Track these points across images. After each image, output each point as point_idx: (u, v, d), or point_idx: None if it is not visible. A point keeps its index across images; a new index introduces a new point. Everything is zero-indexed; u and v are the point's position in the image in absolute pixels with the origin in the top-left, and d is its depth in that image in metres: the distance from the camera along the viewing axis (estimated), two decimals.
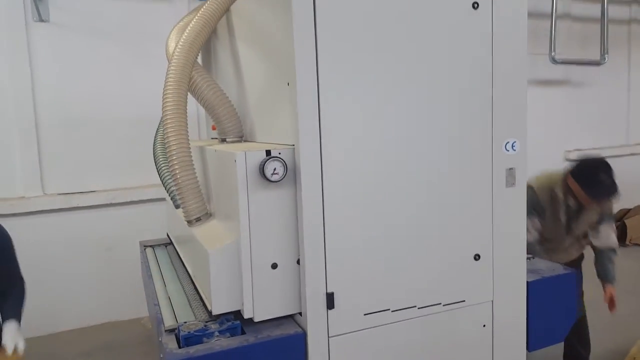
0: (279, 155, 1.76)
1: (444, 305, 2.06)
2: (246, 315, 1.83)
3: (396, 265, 1.95)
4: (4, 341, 2.21)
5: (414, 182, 1.95)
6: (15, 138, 3.90)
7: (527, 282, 2.25)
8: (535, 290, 2.26)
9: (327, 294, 1.84)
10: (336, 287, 1.85)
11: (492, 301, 2.17)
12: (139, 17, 4.23)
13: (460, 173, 2.04)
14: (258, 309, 1.84)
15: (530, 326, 2.26)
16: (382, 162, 1.89)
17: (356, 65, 1.81)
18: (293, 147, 1.80)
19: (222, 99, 2.31)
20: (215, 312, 1.86)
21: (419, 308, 2.01)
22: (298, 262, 1.86)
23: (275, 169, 1.74)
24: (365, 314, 1.91)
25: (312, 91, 1.75)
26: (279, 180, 1.75)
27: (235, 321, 1.84)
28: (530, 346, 2.29)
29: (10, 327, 2.27)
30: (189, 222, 2.17)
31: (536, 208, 2.92)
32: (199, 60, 2.46)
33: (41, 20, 3.87)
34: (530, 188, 2.87)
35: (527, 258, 2.39)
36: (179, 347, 1.74)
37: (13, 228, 3.94)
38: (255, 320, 1.84)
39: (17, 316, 2.33)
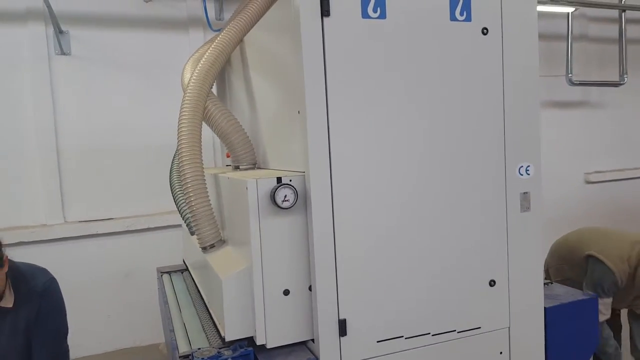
0: (289, 183, 1.79)
1: (458, 332, 2.03)
2: (259, 342, 1.83)
3: (410, 291, 1.94)
4: None
5: (427, 208, 1.95)
6: (37, 167, 4.03)
7: (545, 308, 2.20)
8: (554, 317, 2.21)
9: (339, 320, 1.83)
10: (348, 313, 1.84)
11: (509, 328, 2.13)
12: (156, 49, 4.38)
13: (473, 198, 2.03)
14: (270, 336, 1.84)
15: (549, 353, 2.20)
16: (394, 189, 1.90)
17: (366, 93, 1.85)
18: (304, 174, 1.83)
19: (235, 128, 2.36)
20: (228, 338, 1.86)
21: (433, 335, 1.99)
22: (310, 288, 1.86)
23: (286, 196, 1.77)
24: (378, 341, 1.90)
25: (321, 119, 1.78)
26: (289, 207, 1.78)
27: (249, 348, 1.85)
28: None
29: None
30: (204, 249, 2.20)
31: (618, 286, 2.98)
32: (214, 90, 2.54)
33: (63, 54, 4.04)
34: (612, 273, 2.92)
35: (545, 284, 2.35)
36: None
37: (35, 255, 4.07)
38: (268, 347, 1.84)
39: None
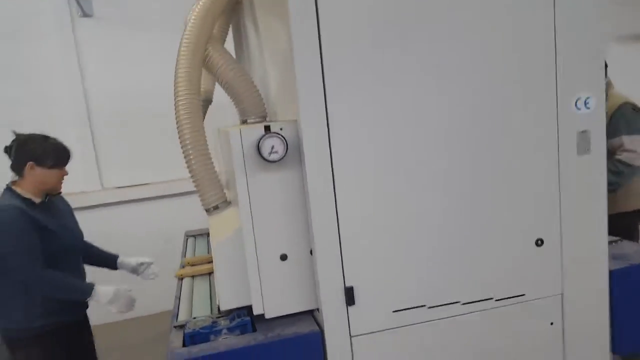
0: (278, 132, 1.52)
1: (497, 301, 1.71)
2: (256, 312, 1.63)
3: (433, 253, 1.63)
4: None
5: (456, 148, 1.61)
6: (71, 134, 4.05)
7: (610, 270, 1.80)
8: (621, 280, 1.81)
9: (345, 288, 1.58)
10: (356, 280, 1.58)
11: (562, 295, 1.76)
12: (182, 5, 4.17)
13: (515, 138, 1.65)
14: (269, 305, 1.63)
15: (615, 326, 1.82)
16: (413, 126, 1.57)
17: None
18: (295, 121, 1.55)
19: (241, 77, 2.09)
20: (223, 307, 1.69)
21: (463, 304, 1.68)
22: (311, 252, 1.62)
23: (273, 147, 1.51)
24: (394, 311, 1.63)
25: (313, 58, 1.48)
26: (278, 160, 1.52)
27: (246, 317, 1.66)
28: (617, 347, 1.85)
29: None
30: (207, 211, 2.01)
31: None
32: (231, 48, 2.28)
33: (85, 16, 3.95)
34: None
35: (611, 242, 1.94)
36: (184, 346, 1.59)
37: None
38: (267, 317, 1.64)
39: None
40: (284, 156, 1.51)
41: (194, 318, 1.73)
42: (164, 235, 4.25)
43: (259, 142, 1.50)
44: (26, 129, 2.26)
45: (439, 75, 1.57)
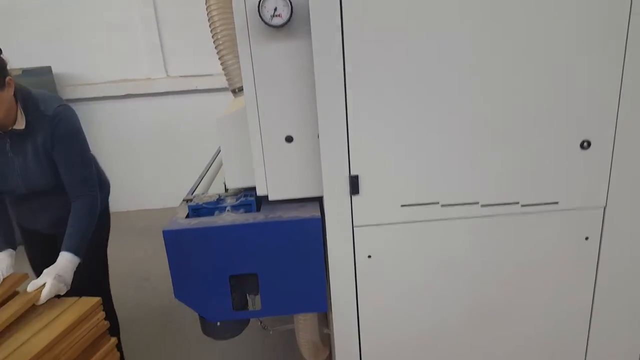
0: None
1: (523, 206, 1.52)
2: (259, 193, 1.59)
3: (451, 145, 1.45)
4: (34, 284, 1.58)
5: (478, 17, 1.36)
6: (136, 16, 4.06)
7: None
8: None
9: (350, 176, 1.47)
10: (362, 169, 1.46)
11: (605, 208, 1.54)
12: None
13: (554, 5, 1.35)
14: (272, 187, 1.58)
15: None
16: None
17: None
18: None
19: None
20: (228, 185, 1.66)
21: (482, 206, 1.52)
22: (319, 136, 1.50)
23: (276, 10, 1.35)
24: (402, 205, 1.51)
25: None
26: (282, 25, 1.36)
27: (251, 197, 1.63)
28: None
29: (58, 267, 1.65)
30: (233, 92, 1.95)
31: None
32: None
33: None
34: None
35: None
36: (186, 217, 1.61)
37: (139, 108, 4.33)
38: (270, 199, 1.59)
39: (77, 248, 1.72)
40: (289, 21, 1.35)
41: (203, 194, 1.73)
42: None
43: (260, 2, 1.34)
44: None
45: None
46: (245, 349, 2.49)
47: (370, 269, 1.57)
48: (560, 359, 1.72)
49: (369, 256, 1.56)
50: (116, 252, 2.10)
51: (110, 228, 2.13)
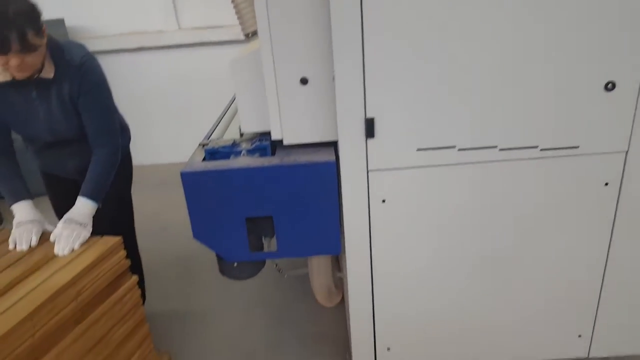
0: None
1: (542, 150, 1.50)
2: (274, 137, 1.58)
3: (469, 86, 1.42)
4: (55, 233, 1.63)
5: None
6: None
7: None
8: None
9: (366, 119, 1.45)
10: (379, 112, 1.44)
11: (627, 153, 1.50)
12: None
13: None
14: (287, 131, 1.57)
15: None
16: None
17: None
18: None
19: None
20: (243, 129, 1.66)
21: (501, 150, 1.49)
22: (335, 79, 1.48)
23: None
24: (419, 149, 1.49)
25: None
26: None
27: (265, 142, 1.62)
28: None
29: (72, 212, 1.69)
30: (246, 37, 1.92)
31: None
32: None
33: None
34: None
35: None
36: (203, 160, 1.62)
37: (150, 61, 4.29)
38: (285, 143, 1.59)
39: (95, 194, 1.75)
40: None
41: (219, 138, 1.73)
42: None
43: None
44: None
45: None
46: (260, 292, 2.56)
47: (384, 213, 1.57)
48: (572, 309, 1.74)
49: (383, 200, 1.56)
50: (133, 204, 2.13)
51: None
